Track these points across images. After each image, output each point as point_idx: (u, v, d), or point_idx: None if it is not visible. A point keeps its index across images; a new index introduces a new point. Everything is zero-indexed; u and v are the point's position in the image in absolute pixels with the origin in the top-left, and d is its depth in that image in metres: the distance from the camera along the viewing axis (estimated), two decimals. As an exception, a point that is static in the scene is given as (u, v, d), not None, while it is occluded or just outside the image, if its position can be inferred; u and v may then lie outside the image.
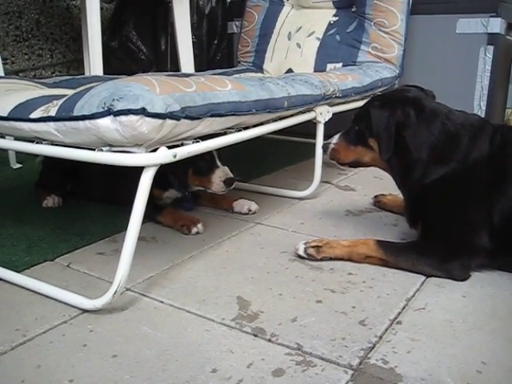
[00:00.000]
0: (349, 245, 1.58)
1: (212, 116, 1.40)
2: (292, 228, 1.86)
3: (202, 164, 1.85)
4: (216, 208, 2.06)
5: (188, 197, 2.01)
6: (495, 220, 1.48)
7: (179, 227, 1.82)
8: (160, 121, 1.23)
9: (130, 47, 3.63)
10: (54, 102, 1.39)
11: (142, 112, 1.19)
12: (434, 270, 1.49)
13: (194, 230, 1.79)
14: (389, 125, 1.58)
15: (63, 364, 1.10)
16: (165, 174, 1.88)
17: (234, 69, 2.96)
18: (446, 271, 1.48)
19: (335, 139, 1.78)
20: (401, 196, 1.77)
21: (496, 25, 2.59)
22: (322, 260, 1.58)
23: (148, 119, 1.21)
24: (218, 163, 1.86)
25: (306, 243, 1.61)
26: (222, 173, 1.85)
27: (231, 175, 1.86)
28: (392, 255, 1.54)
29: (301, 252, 1.60)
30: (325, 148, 1.81)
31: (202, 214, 2.00)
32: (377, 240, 1.57)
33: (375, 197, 2.11)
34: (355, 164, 1.79)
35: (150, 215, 1.82)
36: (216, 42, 3.83)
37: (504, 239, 1.49)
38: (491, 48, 2.62)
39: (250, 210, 2.00)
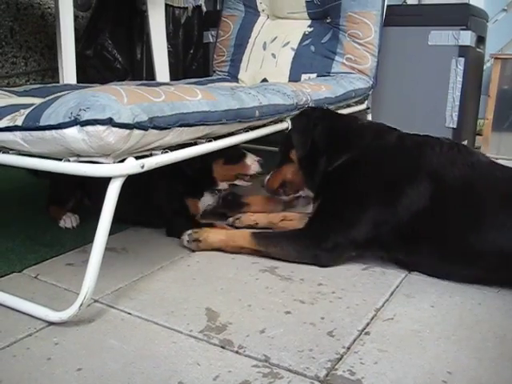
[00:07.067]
0: (226, 238, 1.70)
1: (181, 126, 1.39)
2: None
3: (233, 152, 1.88)
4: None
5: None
6: (400, 216, 1.55)
7: None
8: (127, 131, 1.22)
9: (106, 56, 3.60)
10: (22, 111, 1.37)
11: (109, 122, 1.18)
12: (299, 256, 1.62)
13: None
14: (308, 125, 1.81)
15: (26, 378, 1.08)
16: (193, 180, 1.90)
17: (208, 78, 2.95)
18: (313, 257, 1.61)
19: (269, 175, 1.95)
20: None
21: (466, 37, 2.64)
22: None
23: (115, 129, 1.20)
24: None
25: (190, 234, 1.72)
26: (252, 156, 1.94)
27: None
28: (263, 244, 1.65)
29: (185, 243, 1.73)
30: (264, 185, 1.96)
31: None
32: (252, 232, 1.70)
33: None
34: (284, 187, 1.92)
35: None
36: (192, 51, 3.83)
37: (410, 236, 1.57)
38: (462, 60, 2.66)
39: None
